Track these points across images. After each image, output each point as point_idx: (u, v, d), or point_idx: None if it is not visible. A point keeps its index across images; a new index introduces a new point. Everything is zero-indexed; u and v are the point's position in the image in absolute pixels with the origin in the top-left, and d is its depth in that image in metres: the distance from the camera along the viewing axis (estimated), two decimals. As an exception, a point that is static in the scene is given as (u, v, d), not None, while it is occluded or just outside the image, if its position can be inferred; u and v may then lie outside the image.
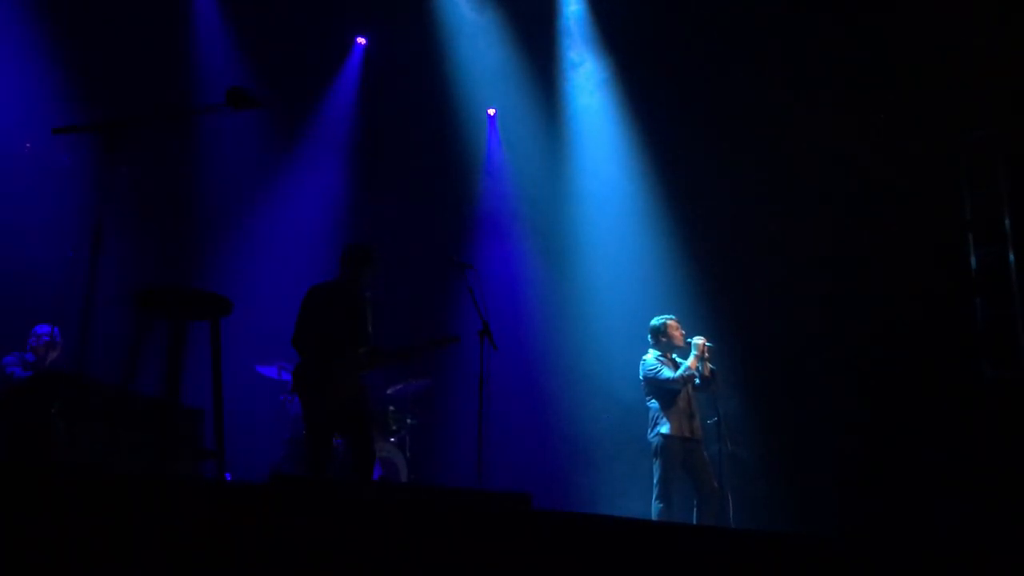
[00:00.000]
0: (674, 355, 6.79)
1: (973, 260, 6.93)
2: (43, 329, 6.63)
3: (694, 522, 6.39)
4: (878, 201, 7.41)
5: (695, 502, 6.49)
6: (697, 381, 6.65)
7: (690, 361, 6.60)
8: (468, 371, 6.07)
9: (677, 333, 6.80)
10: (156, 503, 2.35)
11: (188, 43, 8.42)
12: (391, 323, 5.83)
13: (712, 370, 6.71)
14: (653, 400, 6.65)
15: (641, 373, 6.73)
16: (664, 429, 6.49)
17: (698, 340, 6.68)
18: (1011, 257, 6.71)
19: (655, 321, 6.88)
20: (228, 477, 5.31)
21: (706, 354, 6.68)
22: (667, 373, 6.61)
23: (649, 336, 6.87)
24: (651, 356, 6.75)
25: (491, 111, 9.73)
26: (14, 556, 2.12)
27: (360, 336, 5.43)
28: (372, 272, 5.57)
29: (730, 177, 8.18)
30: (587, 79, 9.32)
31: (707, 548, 2.95)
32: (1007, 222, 6.79)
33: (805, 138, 7.74)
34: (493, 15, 8.96)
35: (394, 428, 7.41)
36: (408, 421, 7.55)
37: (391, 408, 7.47)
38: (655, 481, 6.48)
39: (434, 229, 8.87)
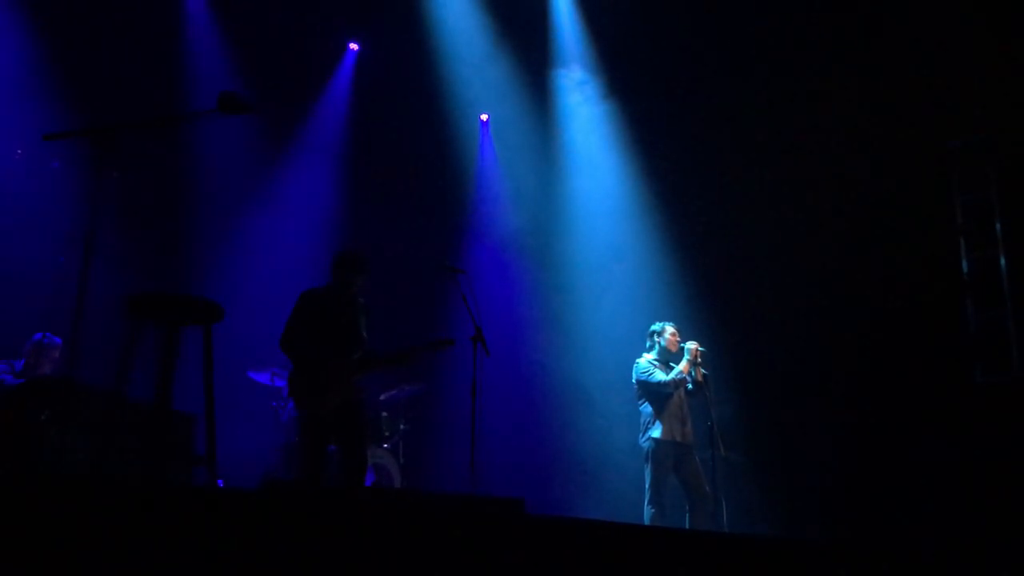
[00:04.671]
0: (669, 361, 6.79)
1: (964, 264, 6.96)
2: (36, 337, 6.58)
3: (686, 527, 6.39)
4: (870, 206, 7.43)
5: (687, 507, 6.49)
6: (690, 386, 6.66)
7: (682, 365, 6.61)
8: (461, 377, 6.06)
9: (673, 339, 6.80)
10: (148, 510, 2.34)
11: (180, 48, 8.40)
12: (383, 329, 5.81)
13: (705, 375, 6.71)
14: (646, 404, 6.65)
15: (634, 376, 6.74)
16: (655, 433, 6.49)
17: (690, 345, 6.68)
18: (1002, 261, 6.74)
19: (655, 325, 6.90)
20: (220, 483, 5.30)
21: (699, 359, 6.68)
22: (659, 376, 6.61)
23: (646, 339, 6.88)
24: (644, 360, 6.76)
25: (484, 116, 9.74)
26: (4, 564, 2.11)
27: (354, 341, 5.43)
28: (364, 278, 5.56)
29: (723, 184, 8.20)
30: (580, 85, 9.33)
31: (699, 553, 2.95)
32: (998, 226, 6.82)
33: (797, 145, 7.77)
34: (486, 21, 8.97)
35: (387, 434, 7.40)
36: (401, 427, 7.54)
37: (384, 414, 7.45)
38: (647, 486, 6.48)
39: (426, 235, 8.86)
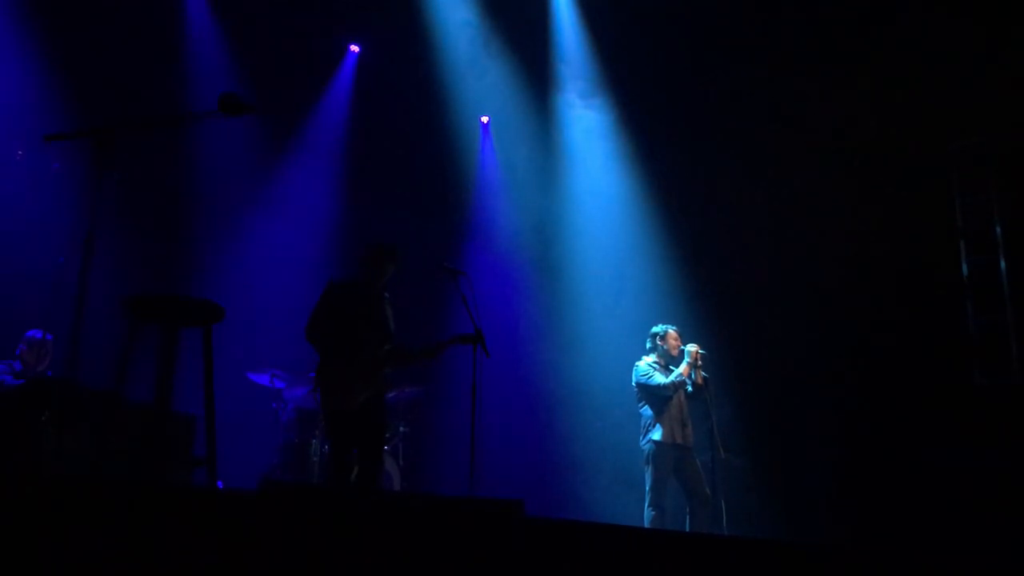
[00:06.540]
0: (669, 364, 6.79)
1: (964, 268, 6.97)
2: (34, 335, 6.58)
3: (687, 529, 6.39)
4: (870, 209, 7.43)
5: (688, 509, 6.49)
6: (689, 388, 6.66)
7: (682, 368, 6.60)
8: (461, 379, 6.05)
9: (674, 343, 6.80)
10: (147, 511, 2.34)
11: (181, 49, 8.40)
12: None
13: (705, 378, 6.70)
14: (646, 407, 6.65)
15: (633, 379, 6.73)
16: (656, 436, 6.49)
17: (691, 347, 6.68)
18: (1002, 264, 6.75)
19: (657, 327, 6.89)
20: (220, 484, 5.29)
21: (699, 362, 6.67)
22: (659, 379, 6.61)
23: (647, 341, 6.88)
24: (644, 362, 6.76)
25: (484, 119, 9.74)
26: (5, 564, 2.10)
27: (384, 334, 5.41)
28: (393, 271, 5.54)
29: (723, 187, 8.20)
30: (580, 87, 9.34)
31: (699, 555, 2.95)
32: (998, 229, 6.83)
33: (797, 149, 7.77)
34: (487, 23, 8.97)
35: (387, 436, 7.39)
36: (401, 429, 7.53)
37: (384, 415, 7.45)
38: (647, 488, 6.48)
39: (427, 236, 8.85)
